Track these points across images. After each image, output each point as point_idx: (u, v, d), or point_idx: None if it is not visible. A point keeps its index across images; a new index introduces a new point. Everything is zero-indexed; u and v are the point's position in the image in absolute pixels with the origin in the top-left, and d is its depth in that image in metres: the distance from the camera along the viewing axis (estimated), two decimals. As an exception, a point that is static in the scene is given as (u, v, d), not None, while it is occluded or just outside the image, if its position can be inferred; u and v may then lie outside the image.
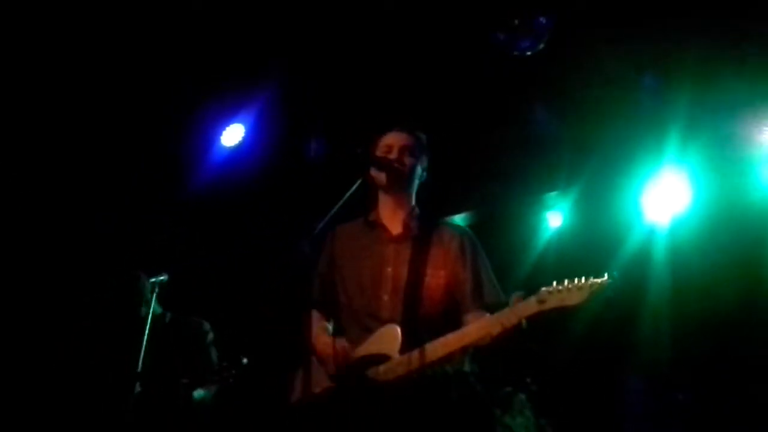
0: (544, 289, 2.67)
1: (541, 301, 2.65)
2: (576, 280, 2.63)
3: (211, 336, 4.33)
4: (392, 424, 2.73)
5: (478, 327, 2.78)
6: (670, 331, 5.49)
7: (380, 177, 3.12)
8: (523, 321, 2.68)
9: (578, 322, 5.58)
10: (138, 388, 3.60)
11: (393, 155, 3.12)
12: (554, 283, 2.66)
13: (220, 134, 5.62)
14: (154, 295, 3.86)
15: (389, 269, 3.03)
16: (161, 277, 3.98)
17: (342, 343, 2.92)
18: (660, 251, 5.63)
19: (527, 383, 4.54)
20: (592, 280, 2.62)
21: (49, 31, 4.68)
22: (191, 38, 4.86)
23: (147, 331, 3.70)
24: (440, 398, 2.84)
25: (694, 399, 4.92)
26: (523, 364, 4.82)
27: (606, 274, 2.63)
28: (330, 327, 3.12)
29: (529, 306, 2.68)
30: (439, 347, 2.78)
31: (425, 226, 3.15)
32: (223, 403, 4.23)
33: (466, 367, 2.98)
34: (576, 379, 5.49)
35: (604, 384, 5.48)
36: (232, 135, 5.61)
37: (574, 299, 2.61)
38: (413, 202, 3.21)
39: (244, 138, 5.60)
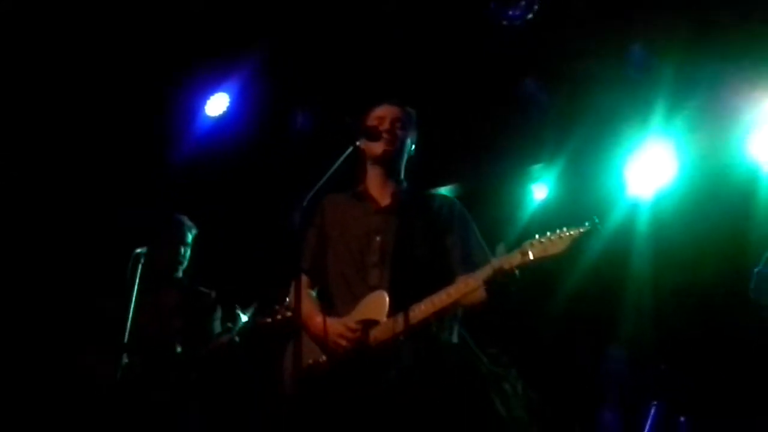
0: (527, 242, 2.74)
1: (524, 253, 2.72)
2: (558, 231, 2.72)
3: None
4: (388, 394, 2.75)
5: (461, 284, 2.83)
6: (652, 303, 5.54)
7: (371, 147, 3.13)
8: (516, 270, 2.73)
9: (561, 293, 5.66)
10: (125, 359, 3.59)
11: (385, 126, 3.13)
12: (536, 235, 2.74)
13: (205, 104, 5.56)
14: (140, 266, 3.84)
15: (378, 238, 3.05)
16: (145, 248, 3.96)
17: (334, 323, 2.93)
18: (643, 224, 5.67)
19: (516, 353, 4.59)
20: (573, 229, 2.70)
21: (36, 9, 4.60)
22: (176, 6, 4.78)
23: (133, 304, 3.68)
24: (436, 368, 2.86)
25: (676, 369, 4.98)
26: (512, 338, 4.86)
27: (587, 223, 2.71)
28: (314, 294, 3.14)
29: (513, 259, 2.74)
30: (423, 308, 2.83)
31: (413, 198, 3.18)
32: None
33: (455, 336, 3.01)
34: (559, 350, 5.54)
35: (587, 354, 5.54)
36: (217, 104, 5.55)
37: (556, 249, 2.69)
38: (402, 175, 3.23)
39: (229, 107, 5.55)
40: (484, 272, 2.79)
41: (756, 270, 4.26)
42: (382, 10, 4.96)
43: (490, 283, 2.78)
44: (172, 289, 4.35)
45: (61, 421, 4.32)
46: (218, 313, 4.41)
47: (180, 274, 4.42)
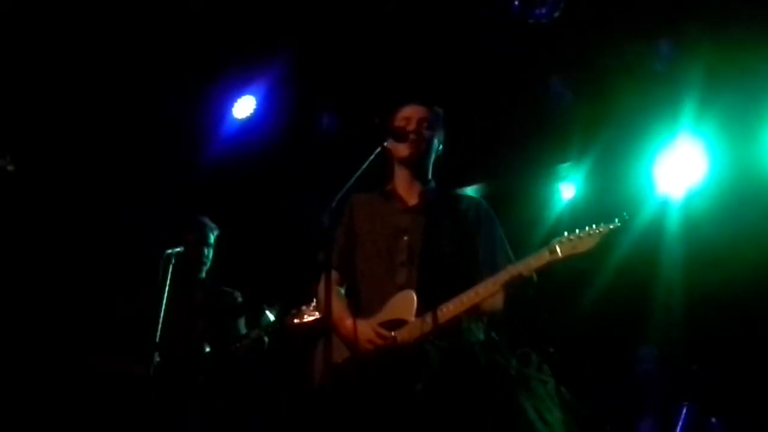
0: (555, 239, 2.75)
1: (552, 252, 2.72)
2: (587, 228, 2.71)
3: None
4: (415, 401, 2.75)
5: (489, 283, 2.84)
6: (683, 303, 5.47)
7: (398, 149, 3.13)
8: (534, 275, 2.75)
9: (591, 293, 5.61)
10: (157, 358, 3.63)
11: (411, 127, 3.12)
12: (565, 233, 2.73)
13: (232, 106, 5.61)
14: (171, 266, 3.88)
15: (405, 238, 3.06)
16: (177, 249, 4.01)
17: (363, 325, 2.94)
18: (673, 223, 5.61)
19: (549, 353, 4.57)
20: (602, 226, 2.70)
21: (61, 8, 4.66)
22: (203, 10, 4.82)
23: (164, 303, 3.72)
24: (463, 371, 2.85)
25: (708, 370, 4.92)
26: (538, 335, 4.83)
27: (617, 219, 2.70)
28: (342, 291, 3.16)
29: (541, 257, 2.75)
30: (452, 307, 2.84)
31: (440, 198, 3.19)
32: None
33: (483, 336, 3.00)
34: (590, 349, 5.50)
35: (618, 353, 5.49)
36: (244, 107, 5.60)
37: (584, 246, 2.69)
38: (429, 175, 3.23)
39: (256, 110, 5.59)
40: (503, 276, 2.80)
41: None
42: (408, 11, 4.96)
43: (508, 287, 2.79)
44: (196, 289, 4.39)
45: (72, 421, 4.37)
46: (243, 313, 4.44)
47: (203, 274, 4.46)
